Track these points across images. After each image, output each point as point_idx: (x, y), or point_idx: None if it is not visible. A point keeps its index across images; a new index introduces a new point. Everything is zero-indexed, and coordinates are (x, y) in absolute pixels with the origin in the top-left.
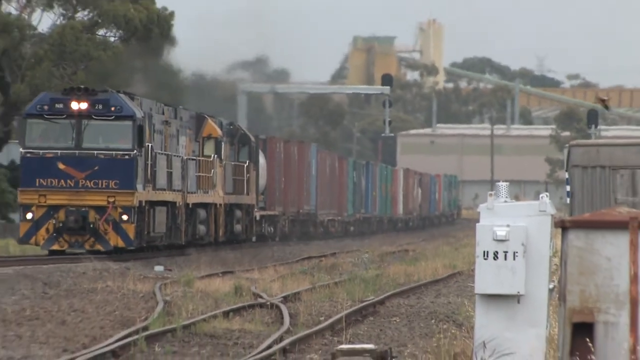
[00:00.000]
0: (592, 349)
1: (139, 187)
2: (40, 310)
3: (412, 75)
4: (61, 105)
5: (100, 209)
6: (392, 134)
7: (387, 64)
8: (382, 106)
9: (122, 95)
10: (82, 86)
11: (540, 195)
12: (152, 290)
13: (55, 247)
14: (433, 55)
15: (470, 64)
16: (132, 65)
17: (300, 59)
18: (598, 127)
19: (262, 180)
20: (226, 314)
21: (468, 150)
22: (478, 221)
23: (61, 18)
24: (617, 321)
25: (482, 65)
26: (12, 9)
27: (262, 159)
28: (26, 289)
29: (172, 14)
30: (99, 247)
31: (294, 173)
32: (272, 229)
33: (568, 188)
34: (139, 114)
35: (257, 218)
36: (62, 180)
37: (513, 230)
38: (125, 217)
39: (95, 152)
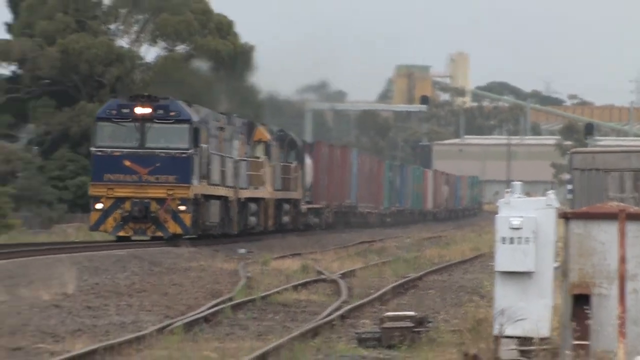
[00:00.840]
0: (589, 316)
1: (195, 181)
2: (146, 284)
3: (444, 96)
4: (127, 110)
5: (160, 201)
6: (428, 143)
7: (424, 87)
8: (421, 121)
9: (180, 102)
10: (145, 94)
11: (547, 193)
12: (236, 268)
13: (122, 233)
14: (461, 80)
15: (491, 87)
16: (219, 88)
17: (354, 82)
18: (594, 137)
19: (309, 178)
20: (295, 288)
21: (489, 156)
22: (497, 213)
23: (164, 50)
24: (608, 294)
25: (500, 88)
26: (124, 43)
27: (308, 160)
28: (135, 267)
29: (252, 47)
30: (159, 233)
31: (337, 172)
32: (317, 219)
33: (570, 187)
34: (195, 118)
35: (304, 211)
36: (128, 176)
37: (525, 221)
38: (182, 208)
39: (157, 151)
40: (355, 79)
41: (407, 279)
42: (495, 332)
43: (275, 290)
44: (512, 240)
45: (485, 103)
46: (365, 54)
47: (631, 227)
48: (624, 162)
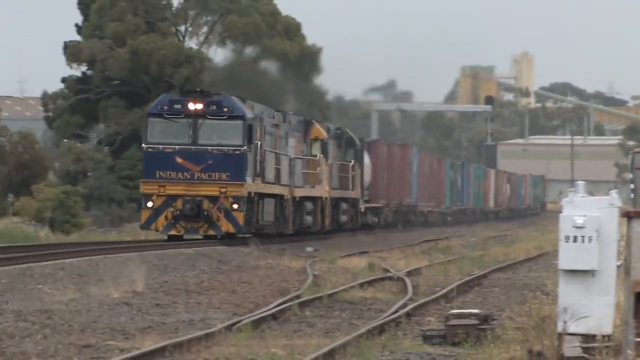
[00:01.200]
0: None
1: (248, 179)
2: (215, 282)
3: (508, 97)
4: (179, 106)
5: (213, 199)
6: (493, 143)
7: (489, 88)
8: (485, 121)
9: (234, 97)
10: (198, 89)
11: (610, 192)
12: (304, 267)
13: (173, 232)
14: (525, 80)
15: (555, 88)
16: (287, 88)
17: (420, 82)
18: None
19: (367, 177)
20: (362, 285)
21: (553, 156)
22: (561, 212)
23: (232, 52)
24: None
25: (564, 88)
26: (193, 44)
27: (367, 159)
28: (204, 265)
29: (320, 50)
30: (211, 232)
31: (397, 171)
32: (376, 219)
33: (632, 186)
34: (249, 114)
35: (362, 210)
36: (180, 173)
37: (589, 219)
38: (235, 206)
39: (209, 147)
40: (422, 79)
41: (472, 276)
42: (559, 329)
43: (342, 288)
44: (575, 239)
45: (549, 104)
46: (431, 54)
47: None
48: None
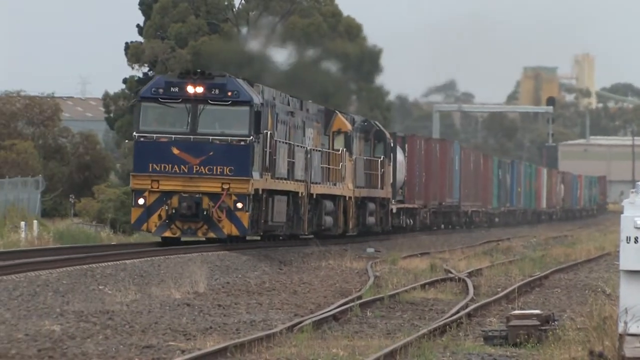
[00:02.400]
0: None
1: (255, 174)
2: (276, 283)
3: (569, 97)
4: (177, 89)
5: (214, 196)
6: (554, 144)
7: (551, 89)
8: (547, 122)
9: (239, 80)
10: (198, 70)
11: None
12: (365, 267)
13: (167, 234)
14: (586, 81)
15: (616, 88)
16: (348, 88)
17: (482, 83)
18: None
19: (401, 176)
20: (423, 286)
21: (615, 157)
22: (622, 213)
23: (294, 53)
24: None
25: (625, 89)
26: (254, 45)
27: (400, 156)
28: (266, 267)
29: (380, 50)
30: (212, 234)
31: (436, 168)
32: (411, 221)
33: None
34: (256, 99)
35: (394, 211)
36: (176, 166)
37: None
38: (239, 205)
39: (211, 137)
40: (483, 79)
41: (533, 277)
42: (620, 330)
43: (404, 288)
44: (636, 240)
45: (610, 104)
46: (492, 55)
47: None
48: None
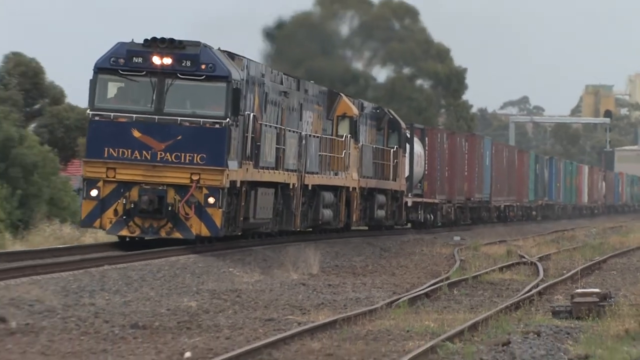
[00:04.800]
0: None
1: (232, 163)
2: (377, 266)
3: (623, 111)
4: (140, 60)
5: (181, 189)
6: (611, 149)
7: (608, 103)
8: (605, 131)
9: (216, 50)
10: (165, 37)
11: None
12: (452, 253)
13: (124, 232)
14: (638, 97)
15: None
16: (439, 103)
17: (549, 98)
18: None
19: (419, 169)
20: (501, 269)
21: None
22: None
23: (392, 72)
24: None
25: None
26: (359, 66)
27: (419, 148)
28: (368, 252)
29: (465, 70)
30: (177, 234)
31: (461, 163)
32: (431, 216)
33: None
34: (236, 75)
35: (410, 204)
36: (137, 152)
37: None
38: (211, 200)
39: (179, 118)
40: (550, 95)
41: (593, 261)
42: None
43: (484, 271)
44: None
45: None
46: (559, 73)
47: None
48: None
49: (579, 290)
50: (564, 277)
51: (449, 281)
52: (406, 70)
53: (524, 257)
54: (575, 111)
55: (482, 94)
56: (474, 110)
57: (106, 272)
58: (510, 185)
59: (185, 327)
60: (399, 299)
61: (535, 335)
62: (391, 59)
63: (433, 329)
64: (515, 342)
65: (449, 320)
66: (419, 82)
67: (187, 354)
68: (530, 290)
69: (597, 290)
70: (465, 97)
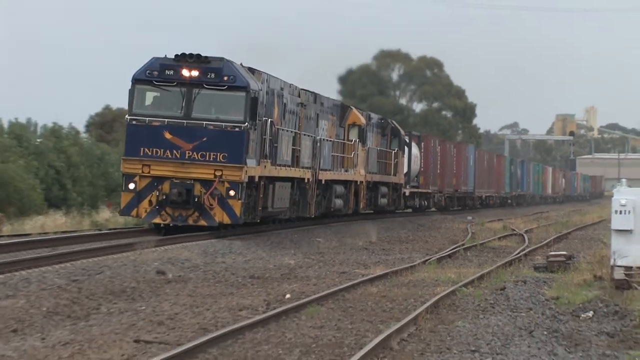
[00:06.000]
0: None
1: (250, 161)
2: (415, 236)
3: (582, 131)
4: (171, 72)
5: (206, 183)
6: (574, 158)
7: (571, 126)
8: (569, 145)
9: (237, 64)
10: (194, 53)
11: None
12: (466, 227)
13: (157, 220)
14: (592, 122)
15: (610, 126)
16: (457, 127)
17: (533, 122)
18: None
19: (415, 166)
20: (499, 238)
21: (609, 164)
22: (613, 197)
23: (425, 106)
24: None
25: (614, 126)
26: (403, 101)
27: (416, 150)
28: (409, 227)
29: (475, 105)
30: (202, 222)
31: (451, 163)
32: (425, 202)
33: None
34: (254, 85)
35: (407, 194)
36: (168, 151)
37: (629, 201)
38: (232, 193)
39: (205, 122)
40: (533, 120)
41: (561, 234)
42: (612, 263)
43: (488, 240)
44: (621, 212)
45: (606, 135)
46: (537, 105)
47: None
48: None
49: (552, 253)
50: (542, 244)
51: (464, 247)
52: (435, 105)
53: (515, 230)
54: (550, 131)
55: (486, 120)
56: (481, 131)
57: (233, 241)
58: (490, 180)
59: (286, 278)
60: (430, 258)
61: (523, 283)
62: (425, 97)
63: (453, 278)
64: (509, 287)
65: (464, 272)
66: (443, 112)
67: (288, 295)
68: (519, 253)
69: (564, 252)
70: (475, 122)
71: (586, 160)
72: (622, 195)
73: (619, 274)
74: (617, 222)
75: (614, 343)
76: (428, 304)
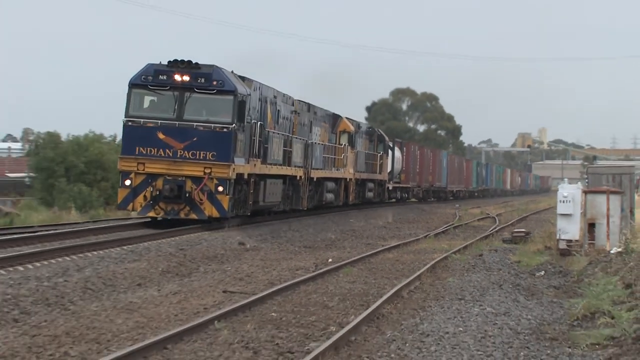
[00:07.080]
0: (594, 232)
1: (239, 160)
2: (420, 218)
3: (537, 144)
4: (165, 77)
5: (196, 179)
6: (530, 164)
7: (529, 141)
8: (527, 155)
9: (226, 71)
10: (185, 59)
11: (578, 183)
12: (455, 212)
13: (151, 214)
14: (543, 138)
15: (558, 141)
16: (449, 142)
17: (502, 138)
18: (596, 161)
19: (398, 166)
20: (478, 220)
21: (556, 168)
22: (558, 191)
23: (426, 128)
24: (602, 222)
25: (561, 142)
26: (410, 124)
27: (398, 153)
28: (415, 211)
29: (461, 127)
30: (193, 216)
31: (427, 164)
32: (406, 194)
33: (586, 181)
34: (242, 90)
35: (390, 188)
36: (162, 150)
37: (569, 194)
38: (220, 189)
39: (195, 124)
40: (503, 136)
41: (522, 216)
42: (557, 237)
43: (470, 220)
44: (564, 201)
45: (553, 147)
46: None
47: (611, 197)
48: (607, 171)
49: (515, 230)
50: (508, 223)
51: (453, 225)
52: (433, 126)
53: (489, 214)
54: (514, 145)
55: (469, 136)
56: (465, 144)
57: (291, 222)
58: (460, 178)
59: (329, 247)
60: (429, 233)
61: (495, 251)
62: (425, 121)
63: (446, 248)
64: (485, 254)
65: (454, 244)
66: (439, 132)
67: (330, 260)
68: (492, 230)
69: (524, 229)
70: (461, 138)
71: (539, 165)
72: (565, 190)
73: (562, 245)
74: (561, 208)
75: (559, 293)
76: (428, 265)
